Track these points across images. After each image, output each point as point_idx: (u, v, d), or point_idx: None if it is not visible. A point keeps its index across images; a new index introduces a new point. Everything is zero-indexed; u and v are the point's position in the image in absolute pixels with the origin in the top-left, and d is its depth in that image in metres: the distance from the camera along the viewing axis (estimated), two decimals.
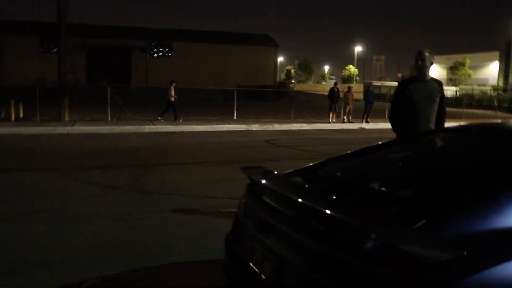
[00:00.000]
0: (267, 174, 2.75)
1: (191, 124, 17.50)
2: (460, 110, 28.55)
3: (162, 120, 18.29)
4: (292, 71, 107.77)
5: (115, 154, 10.82)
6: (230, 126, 17.77)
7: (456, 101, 44.25)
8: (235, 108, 20.50)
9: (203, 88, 36.80)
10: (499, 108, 39.73)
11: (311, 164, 3.08)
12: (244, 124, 18.25)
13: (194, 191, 6.95)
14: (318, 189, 2.57)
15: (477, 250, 1.75)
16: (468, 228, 1.84)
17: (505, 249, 1.76)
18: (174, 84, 19.27)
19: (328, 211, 2.00)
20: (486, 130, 3.45)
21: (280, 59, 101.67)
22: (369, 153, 3.31)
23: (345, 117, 21.21)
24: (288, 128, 18.40)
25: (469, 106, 41.45)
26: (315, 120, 21.10)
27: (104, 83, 20.38)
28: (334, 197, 2.32)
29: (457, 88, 59.82)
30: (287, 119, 20.89)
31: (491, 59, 71.90)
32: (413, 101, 4.82)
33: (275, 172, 2.81)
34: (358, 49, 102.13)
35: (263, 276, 2.29)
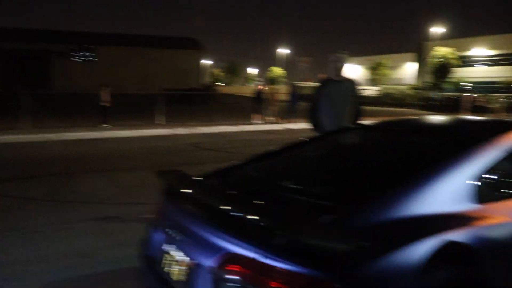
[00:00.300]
0: (181, 177, 2.78)
1: (115, 130, 17.02)
2: (380, 108, 29.96)
3: (107, 126, 17.87)
4: (219, 74, 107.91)
5: (33, 164, 10.31)
6: (155, 131, 17.46)
7: (376, 100, 46.37)
8: (160, 113, 20.21)
9: (129, 93, 35.89)
10: (415, 105, 42.14)
11: (227, 166, 3.15)
12: (170, 128, 18.01)
13: (116, 199, 6.80)
14: (231, 190, 2.63)
15: (381, 239, 1.87)
16: (373, 220, 1.97)
17: (406, 237, 1.90)
18: (106, 89, 18.99)
19: (238, 212, 2.07)
20: (395, 126, 3.66)
21: (206, 62, 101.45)
22: (284, 152, 3.42)
23: (269, 118, 21.59)
24: (214, 131, 18.41)
25: (388, 104, 43.60)
26: (241, 122, 21.25)
27: (20, 89, 19.30)
28: (248, 197, 2.40)
29: (379, 87, 62.61)
30: (213, 122, 20.89)
31: (407, 60, 76.03)
32: (328, 100, 5.03)
33: (190, 175, 2.85)
34: (283, 51, 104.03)
35: (174, 279, 2.31)
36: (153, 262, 2.60)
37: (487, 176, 2.43)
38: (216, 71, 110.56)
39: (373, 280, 1.74)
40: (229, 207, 2.11)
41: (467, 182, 2.31)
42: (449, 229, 2.02)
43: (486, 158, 2.48)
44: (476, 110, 30.29)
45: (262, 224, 1.86)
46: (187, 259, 2.24)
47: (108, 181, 8.25)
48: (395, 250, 1.83)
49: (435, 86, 51.09)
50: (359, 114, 5.23)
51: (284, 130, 19.76)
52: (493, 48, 64.70)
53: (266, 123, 21.11)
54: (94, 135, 15.98)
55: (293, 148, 3.46)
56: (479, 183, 2.37)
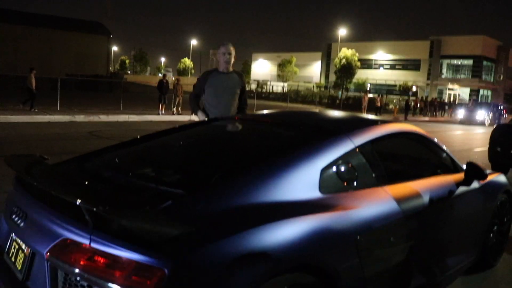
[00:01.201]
0: (34, 162, 2.64)
1: (6, 115, 15.85)
2: (285, 104, 30.74)
3: (36, 110, 17.65)
4: (127, 61, 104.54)
5: None
6: (52, 117, 16.52)
7: (283, 96, 47.54)
8: (58, 98, 19.18)
9: (25, 75, 33.53)
10: (320, 103, 43.83)
11: (90, 152, 3.05)
12: (68, 115, 17.13)
13: None
14: (82, 176, 2.55)
15: (209, 226, 1.90)
16: (210, 207, 2.00)
17: (235, 225, 1.94)
18: (34, 72, 18.74)
19: (77, 198, 2.00)
20: (262, 118, 3.74)
21: (114, 48, 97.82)
22: (151, 139, 3.38)
23: (174, 109, 21.34)
24: (115, 120, 17.82)
25: (295, 101, 44.91)
26: (145, 111, 20.81)
27: None
28: (94, 183, 2.34)
29: (286, 84, 64.17)
30: (116, 110, 20.22)
31: (315, 59, 78.75)
32: (213, 92, 5.02)
33: (45, 161, 2.71)
34: (194, 42, 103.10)
35: (17, 267, 2.20)
36: (1, 252, 2.46)
37: (336, 167, 2.58)
38: (126, 59, 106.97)
39: (204, 266, 1.76)
40: (70, 192, 2.04)
41: (316, 172, 2.43)
42: (291, 216, 2.11)
43: (337, 151, 2.63)
44: (374, 109, 32.12)
45: (96, 209, 1.82)
46: (28, 246, 2.14)
47: None
48: (228, 236, 1.86)
49: (339, 86, 53.45)
50: (245, 107, 5.29)
51: (188, 121, 19.61)
52: (391, 53, 69.04)
53: (170, 114, 20.84)
54: None
55: (159, 135, 3.43)
56: (329, 174, 2.51)
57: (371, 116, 4.35)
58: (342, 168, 2.61)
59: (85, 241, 1.83)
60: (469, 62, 65.03)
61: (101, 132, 13.75)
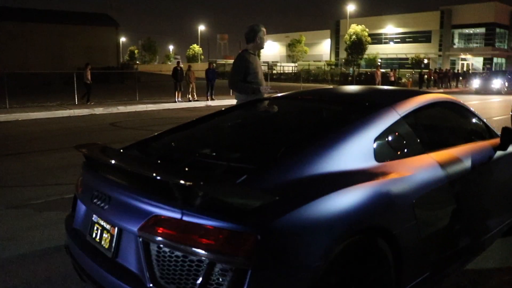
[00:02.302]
0: (102, 149, 2.83)
1: (27, 112, 16.17)
2: (298, 84, 30.71)
3: (92, 103, 19.12)
4: (136, 51, 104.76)
5: None
6: (71, 111, 16.82)
7: (295, 76, 47.38)
8: (75, 92, 19.47)
9: (39, 72, 33.89)
10: (332, 81, 43.67)
11: (146, 138, 3.23)
12: (86, 108, 17.43)
13: (34, 181, 6.60)
14: (152, 158, 2.73)
15: (288, 195, 2.07)
16: (283, 178, 2.17)
17: (310, 193, 2.11)
18: (89, 67, 20.20)
19: (159, 176, 2.19)
20: (306, 95, 3.94)
21: (123, 39, 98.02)
22: (203, 122, 3.56)
23: (189, 96, 21.54)
24: (133, 110, 18.08)
25: (306, 80, 44.78)
26: (161, 100, 21.03)
27: None
28: (168, 163, 2.52)
29: (297, 64, 63.89)
30: (132, 100, 20.48)
31: (324, 37, 78.15)
32: (256, 72, 5.18)
33: (110, 147, 2.91)
34: (201, 28, 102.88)
35: (104, 246, 2.39)
36: (81, 235, 2.65)
37: (387, 137, 2.74)
38: (135, 49, 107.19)
39: (289, 230, 1.94)
40: (152, 173, 2.22)
41: (370, 142, 2.60)
42: (355, 184, 2.28)
43: (386, 122, 2.78)
44: (387, 84, 31.98)
45: (184, 186, 2.00)
46: (115, 226, 2.33)
47: (24, 164, 7.95)
48: (307, 203, 2.04)
49: (350, 62, 53.12)
50: None
51: (204, 107, 19.82)
52: (401, 26, 68.16)
53: (186, 101, 21.05)
54: (3, 117, 15.11)
55: (212, 117, 3.61)
56: (381, 144, 2.67)
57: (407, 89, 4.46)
58: (392, 138, 2.76)
59: (177, 216, 2.00)
60: (482, 30, 64.04)
61: (122, 123, 14.00)
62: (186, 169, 2.40)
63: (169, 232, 2.02)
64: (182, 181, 1.98)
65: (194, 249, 1.92)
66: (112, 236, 2.35)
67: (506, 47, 66.45)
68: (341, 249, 2.07)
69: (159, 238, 2.04)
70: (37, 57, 45.07)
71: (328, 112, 3.32)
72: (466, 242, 3.18)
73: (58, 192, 5.95)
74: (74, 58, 46.56)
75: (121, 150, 2.95)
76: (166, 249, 2.02)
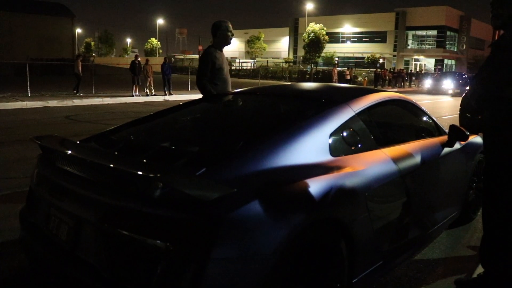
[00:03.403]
0: (59, 141, 2.81)
1: None
2: (257, 80, 30.85)
3: (81, 94, 19.51)
4: (92, 43, 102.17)
5: None
6: (24, 103, 16.25)
7: (253, 73, 47.54)
8: (28, 84, 18.84)
9: None
10: (290, 78, 44.10)
11: (104, 131, 3.23)
12: (40, 100, 16.89)
13: None
14: (111, 151, 2.75)
15: (246, 187, 2.13)
16: (241, 171, 2.23)
17: (267, 185, 2.19)
18: (80, 58, 21.00)
19: (118, 167, 2.22)
20: (266, 92, 4.02)
21: (78, 31, 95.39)
22: (163, 116, 3.58)
23: (147, 90, 21.29)
24: (89, 103, 17.69)
25: (265, 77, 45.03)
26: (118, 94, 20.66)
27: None
28: (127, 155, 2.54)
29: (255, 61, 64.04)
30: (88, 94, 20.02)
31: (283, 35, 78.75)
32: (221, 69, 5.18)
33: (68, 139, 2.89)
34: (160, 22, 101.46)
35: (62, 238, 2.38)
36: (38, 228, 2.63)
37: (342, 133, 2.86)
38: (91, 41, 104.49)
39: (246, 221, 2.00)
40: (111, 164, 2.24)
41: (326, 138, 2.70)
42: (311, 177, 2.38)
43: (341, 118, 2.90)
44: (344, 82, 32.62)
45: (143, 177, 2.04)
46: (74, 217, 2.33)
47: None
48: (264, 195, 2.11)
49: (308, 60, 53.76)
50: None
51: (162, 101, 19.63)
52: (358, 26, 69.61)
53: (144, 95, 20.79)
54: None
55: (171, 111, 3.63)
56: (336, 139, 2.78)
57: (362, 87, 4.63)
58: (346, 133, 2.88)
59: (136, 207, 2.03)
60: (434, 32, 66.32)
61: (78, 116, 13.69)
62: (146, 161, 2.43)
63: (128, 223, 2.05)
64: (142, 172, 2.02)
65: (153, 240, 1.96)
66: (70, 228, 2.35)
67: (455, 50, 69.04)
68: (296, 240, 2.15)
69: (118, 230, 2.06)
70: None
71: (286, 107, 3.41)
72: (415, 233, 3.35)
73: (11, 185, 5.79)
74: (26, 48, 44.96)
75: (78, 142, 2.94)
76: (125, 241, 2.05)
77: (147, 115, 3.58)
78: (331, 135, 2.74)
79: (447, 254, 3.90)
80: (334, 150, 2.70)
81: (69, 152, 2.54)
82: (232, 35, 5.28)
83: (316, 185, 2.35)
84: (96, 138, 3.08)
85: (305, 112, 2.96)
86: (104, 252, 2.14)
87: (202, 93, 5.16)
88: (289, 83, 5.19)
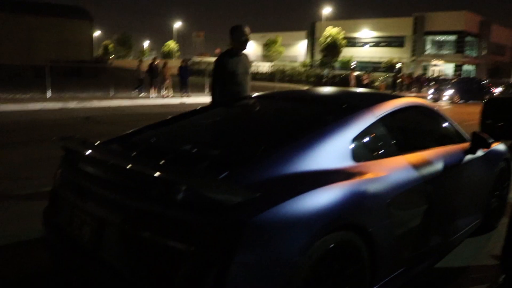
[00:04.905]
0: (82, 143, 2.84)
1: None
2: (273, 84, 30.82)
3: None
4: (110, 46, 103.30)
5: None
6: (44, 104, 16.46)
7: (270, 76, 47.56)
8: (48, 85, 19.10)
9: (8, 64, 32.98)
10: (307, 82, 44.03)
11: (125, 133, 3.25)
12: (59, 102, 17.09)
13: (7, 175, 6.49)
14: (133, 153, 2.77)
15: (268, 192, 2.12)
16: (263, 175, 2.22)
17: (289, 190, 2.17)
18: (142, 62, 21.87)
19: (141, 170, 2.23)
20: (286, 96, 4.02)
21: (97, 33, 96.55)
22: (183, 118, 3.60)
23: (165, 92, 21.45)
24: (108, 105, 17.87)
25: (281, 80, 45.03)
26: (136, 96, 20.86)
27: None
28: (150, 158, 2.55)
29: (272, 64, 64.09)
30: (106, 95, 20.23)
31: (300, 38, 78.65)
32: (234, 73, 5.18)
33: (90, 141, 2.92)
34: (177, 25, 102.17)
35: (83, 239, 2.41)
36: (61, 228, 2.65)
37: (364, 138, 2.84)
38: (109, 44, 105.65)
39: (269, 226, 1.99)
40: (133, 167, 2.26)
41: (348, 143, 2.69)
42: (333, 182, 2.36)
43: (363, 124, 2.88)
44: (361, 87, 32.42)
45: (166, 180, 2.04)
46: (97, 218, 2.35)
47: None
48: (287, 200, 2.09)
49: (325, 64, 53.63)
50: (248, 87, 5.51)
51: (179, 104, 19.73)
52: (375, 30, 69.22)
53: (161, 97, 20.93)
54: None
55: (192, 114, 3.65)
56: (358, 145, 2.76)
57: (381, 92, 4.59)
58: (368, 139, 2.86)
59: (160, 209, 2.04)
60: (452, 37, 65.57)
61: (97, 118, 13.83)
62: (168, 164, 2.44)
63: (151, 226, 2.05)
64: (165, 175, 2.03)
65: (175, 242, 1.96)
66: (93, 229, 2.37)
67: (475, 55, 68.20)
68: (319, 245, 2.13)
69: (141, 232, 2.07)
70: (6, 48, 43.88)
71: (307, 112, 3.39)
72: (437, 241, 3.31)
73: (33, 185, 5.86)
74: (45, 50, 45.52)
75: (100, 144, 2.96)
76: (148, 243, 2.06)
77: (167, 118, 3.59)
78: (353, 140, 2.73)
79: (469, 262, 3.84)
80: (356, 155, 2.68)
81: (92, 153, 2.57)
82: (247, 39, 5.26)
83: (338, 191, 2.33)
84: (117, 140, 3.11)
85: (327, 117, 2.95)
86: (126, 254, 2.15)
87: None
88: (308, 88, 5.17)
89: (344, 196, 2.34)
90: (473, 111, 19.01)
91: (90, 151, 2.64)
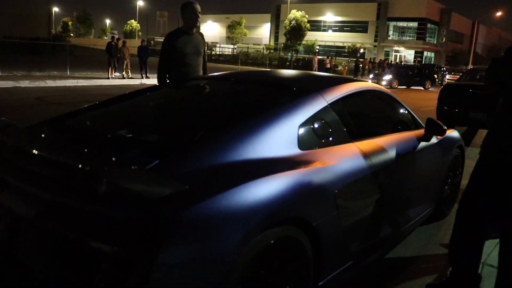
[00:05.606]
0: (5, 126, 2.56)
1: None
2: (236, 66, 30.49)
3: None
4: (70, 23, 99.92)
5: None
6: None
7: (233, 58, 47.13)
8: None
9: None
10: (270, 65, 43.83)
11: (59, 116, 2.98)
12: (11, 80, 16.31)
13: None
14: (59, 139, 2.51)
15: (202, 183, 1.93)
16: (199, 164, 2.02)
17: (226, 181, 1.98)
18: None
19: (62, 159, 1.99)
20: (236, 78, 3.77)
21: (55, 9, 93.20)
22: (124, 100, 3.32)
23: (124, 73, 20.83)
24: (63, 85, 17.15)
25: (245, 63, 44.67)
26: (93, 75, 20.12)
27: None
28: (75, 145, 2.31)
29: (236, 46, 63.50)
30: (62, 74, 19.45)
31: (264, 21, 78.28)
32: (182, 53, 4.89)
33: (14, 124, 2.63)
34: (140, 3, 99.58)
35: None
36: None
37: (313, 124, 2.66)
38: (68, 21, 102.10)
39: (200, 222, 1.79)
40: (54, 155, 2.02)
41: (294, 129, 2.51)
42: (275, 172, 2.17)
43: (312, 108, 2.70)
44: (324, 70, 32.47)
45: (87, 171, 1.82)
46: (12, 214, 2.11)
47: None
48: (221, 193, 1.89)
49: (289, 48, 53.51)
50: (206, 68, 5.25)
51: (138, 85, 19.19)
52: (340, 14, 69.55)
53: (120, 78, 20.32)
54: None
55: (129, 97, 3.38)
56: (306, 131, 2.58)
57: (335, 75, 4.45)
58: (318, 125, 2.69)
59: (79, 204, 1.82)
60: (414, 24, 66.68)
61: (49, 98, 13.25)
62: (95, 152, 2.20)
63: (70, 221, 1.83)
64: (86, 166, 1.80)
65: (96, 240, 1.75)
66: (7, 224, 2.11)
67: (435, 42, 69.57)
68: (257, 242, 1.95)
69: (60, 228, 1.84)
70: None
71: (254, 95, 3.18)
72: (387, 231, 3.20)
73: None
74: None
75: (29, 128, 2.69)
76: (67, 240, 1.83)
77: (108, 99, 3.33)
78: (300, 126, 2.55)
79: (419, 252, 3.77)
80: (302, 143, 2.50)
81: (13, 139, 2.31)
82: (197, 17, 4.95)
83: (280, 182, 2.15)
84: (48, 124, 2.83)
85: (273, 100, 2.76)
86: (43, 255, 1.92)
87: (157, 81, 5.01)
88: (264, 69, 4.96)
89: (287, 188, 2.16)
90: (416, 97, 19.34)
91: (8, 136, 2.37)
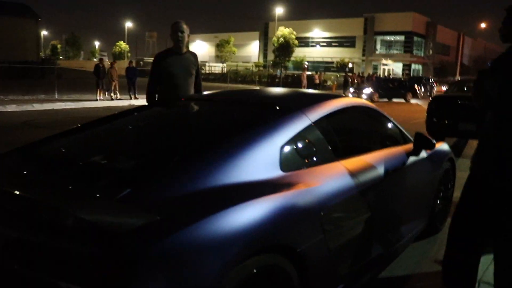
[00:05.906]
0: None
1: None
2: (226, 84, 30.47)
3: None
4: (59, 46, 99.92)
5: None
6: None
7: (223, 77, 47.18)
8: None
9: None
10: (260, 82, 43.92)
11: (33, 142, 2.85)
12: None
13: None
14: (28, 169, 2.38)
15: (175, 212, 1.81)
16: (173, 192, 1.90)
17: (202, 210, 1.86)
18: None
19: (28, 193, 1.87)
20: (220, 98, 3.66)
21: (44, 33, 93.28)
22: (103, 124, 3.19)
23: (112, 94, 20.73)
24: (50, 108, 16.97)
25: (234, 81, 44.72)
26: (81, 98, 19.99)
27: None
28: (45, 175, 2.18)
29: (225, 65, 63.71)
30: (50, 97, 19.30)
31: (253, 39, 78.84)
32: (170, 74, 4.77)
33: None
34: (129, 25, 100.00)
35: None
36: None
37: (295, 144, 2.55)
38: (57, 44, 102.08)
39: (174, 255, 1.67)
40: (19, 189, 1.89)
41: (276, 150, 2.39)
42: (255, 197, 2.05)
43: (295, 128, 2.60)
44: (313, 86, 32.52)
45: (52, 205, 1.70)
46: None
47: None
48: (197, 222, 1.77)
49: (278, 64, 53.75)
50: (200, 89, 5.13)
51: (127, 106, 19.07)
52: (327, 30, 70.22)
53: (108, 99, 20.21)
54: None
55: (108, 120, 3.25)
56: (288, 152, 2.48)
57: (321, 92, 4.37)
58: (301, 145, 2.59)
59: (44, 239, 1.70)
60: (401, 38, 67.40)
61: (36, 122, 13.08)
62: (63, 182, 2.07)
63: (34, 259, 1.70)
64: (50, 200, 1.68)
65: (61, 279, 1.61)
66: None
67: (422, 55, 70.28)
68: (236, 273, 1.82)
69: (23, 266, 1.71)
70: None
71: (235, 115, 3.07)
72: (379, 251, 3.08)
73: None
74: None
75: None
76: (31, 279, 1.70)
77: (85, 123, 3.20)
78: (282, 147, 2.44)
79: (413, 270, 3.65)
80: (285, 164, 2.39)
81: None
82: (183, 36, 4.86)
83: (261, 207, 2.03)
84: (23, 150, 2.70)
85: (254, 121, 2.65)
86: None
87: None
88: (249, 88, 4.87)
89: (268, 213, 2.04)
90: (400, 109, 19.36)
91: None
